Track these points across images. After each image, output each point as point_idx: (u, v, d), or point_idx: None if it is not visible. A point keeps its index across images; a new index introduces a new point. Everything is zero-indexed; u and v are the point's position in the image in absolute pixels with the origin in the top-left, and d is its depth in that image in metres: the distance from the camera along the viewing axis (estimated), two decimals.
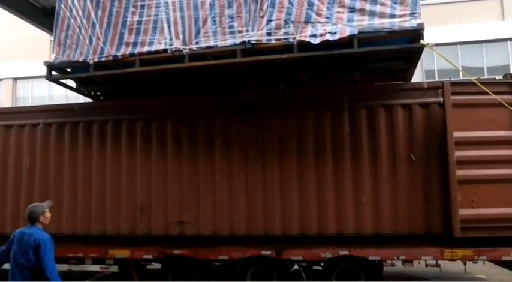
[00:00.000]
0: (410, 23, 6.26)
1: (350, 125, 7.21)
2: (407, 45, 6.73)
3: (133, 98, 8.52)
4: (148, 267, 7.95)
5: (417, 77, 14.64)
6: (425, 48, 6.51)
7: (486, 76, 15.86)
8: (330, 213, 7.11)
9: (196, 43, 6.84)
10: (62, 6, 7.41)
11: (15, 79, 21.56)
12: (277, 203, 7.27)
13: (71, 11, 7.34)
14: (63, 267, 7.74)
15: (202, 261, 7.28)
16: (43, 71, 7.75)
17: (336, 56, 6.80)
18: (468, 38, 17.00)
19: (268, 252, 7.05)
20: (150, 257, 7.38)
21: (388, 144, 7.10)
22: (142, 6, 7.12)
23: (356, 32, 6.36)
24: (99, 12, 7.23)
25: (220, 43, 6.76)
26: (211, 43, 6.78)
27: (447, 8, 16.78)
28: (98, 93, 9.09)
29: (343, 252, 6.89)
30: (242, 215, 7.34)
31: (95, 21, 7.23)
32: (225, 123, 7.58)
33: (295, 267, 7.55)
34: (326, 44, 6.47)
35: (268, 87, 7.98)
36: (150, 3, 7.11)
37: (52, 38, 7.50)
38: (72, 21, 7.33)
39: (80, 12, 7.30)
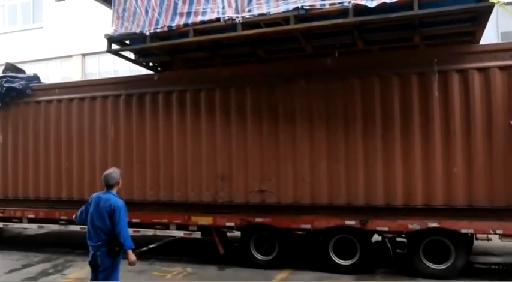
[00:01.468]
0: None
1: (440, 90, 6.75)
2: (474, 4, 6.09)
3: (214, 67, 8.52)
4: (228, 234, 8.10)
5: (491, 40, 13.28)
6: (499, 8, 5.87)
7: None
8: (417, 184, 6.79)
9: (249, 11, 6.70)
10: None
11: (83, 55, 22.51)
12: (360, 173, 7.05)
13: None
14: (150, 232, 8.06)
15: (284, 229, 7.27)
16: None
17: (394, 20, 6.39)
18: None
19: (352, 222, 6.90)
20: (232, 224, 7.49)
21: (482, 110, 6.58)
22: None
23: None
24: None
25: (273, 10, 6.56)
26: (264, 10, 6.61)
27: None
28: (156, 64, 9.22)
29: (433, 224, 6.57)
30: (324, 184, 7.21)
31: None
32: (305, 90, 7.37)
33: (375, 237, 7.34)
34: (383, 7, 6.06)
35: (323, 54, 7.68)
36: None
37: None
38: None
39: None
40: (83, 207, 5.06)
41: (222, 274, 7.31)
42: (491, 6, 5.99)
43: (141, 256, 8.17)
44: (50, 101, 9.14)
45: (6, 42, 23.83)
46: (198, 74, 8.30)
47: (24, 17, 24.02)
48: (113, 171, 4.97)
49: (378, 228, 6.87)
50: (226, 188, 7.72)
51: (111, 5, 7.79)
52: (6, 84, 9.25)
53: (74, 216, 5.31)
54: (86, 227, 4.98)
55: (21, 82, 9.34)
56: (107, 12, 8.46)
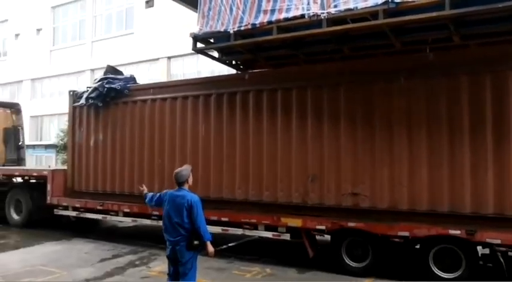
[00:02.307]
0: None
1: None
2: None
3: (305, 65, 8.37)
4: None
5: None
6: None
7: None
8: None
9: (335, 6, 6.42)
10: None
11: (169, 58, 23.57)
12: (467, 178, 6.43)
13: None
14: (238, 231, 8.06)
15: (379, 236, 6.84)
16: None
17: (500, 11, 5.69)
18: None
19: (457, 232, 6.28)
20: (323, 227, 7.20)
21: None
22: None
23: None
24: None
25: (360, 5, 6.21)
26: (351, 5, 6.29)
27: None
28: (239, 62, 9.21)
29: None
30: (424, 189, 6.69)
31: None
32: (405, 88, 6.90)
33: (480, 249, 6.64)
34: None
35: (413, 51, 7.18)
36: None
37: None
38: None
39: None
40: (157, 194, 5.26)
41: (301, 277, 7.12)
42: None
43: (220, 254, 8.23)
44: (145, 101, 9.56)
45: (103, 48, 25.76)
46: (288, 72, 8.16)
47: (118, 24, 25.81)
48: (184, 169, 5.09)
49: (489, 240, 6.17)
50: (317, 190, 7.47)
51: (196, 8, 7.95)
52: (107, 85, 9.86)
53: (143, 191, 5.48)
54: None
55: (120, 83, 9.89)
56: (191, 17, 8.66)
